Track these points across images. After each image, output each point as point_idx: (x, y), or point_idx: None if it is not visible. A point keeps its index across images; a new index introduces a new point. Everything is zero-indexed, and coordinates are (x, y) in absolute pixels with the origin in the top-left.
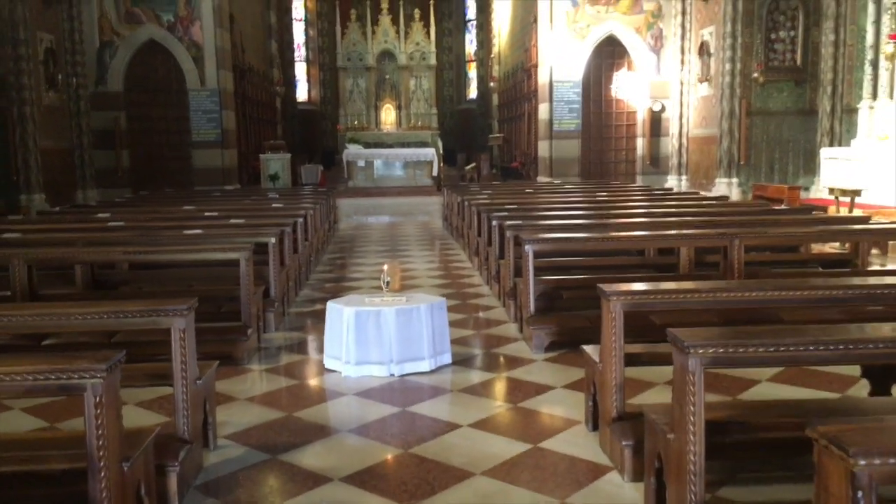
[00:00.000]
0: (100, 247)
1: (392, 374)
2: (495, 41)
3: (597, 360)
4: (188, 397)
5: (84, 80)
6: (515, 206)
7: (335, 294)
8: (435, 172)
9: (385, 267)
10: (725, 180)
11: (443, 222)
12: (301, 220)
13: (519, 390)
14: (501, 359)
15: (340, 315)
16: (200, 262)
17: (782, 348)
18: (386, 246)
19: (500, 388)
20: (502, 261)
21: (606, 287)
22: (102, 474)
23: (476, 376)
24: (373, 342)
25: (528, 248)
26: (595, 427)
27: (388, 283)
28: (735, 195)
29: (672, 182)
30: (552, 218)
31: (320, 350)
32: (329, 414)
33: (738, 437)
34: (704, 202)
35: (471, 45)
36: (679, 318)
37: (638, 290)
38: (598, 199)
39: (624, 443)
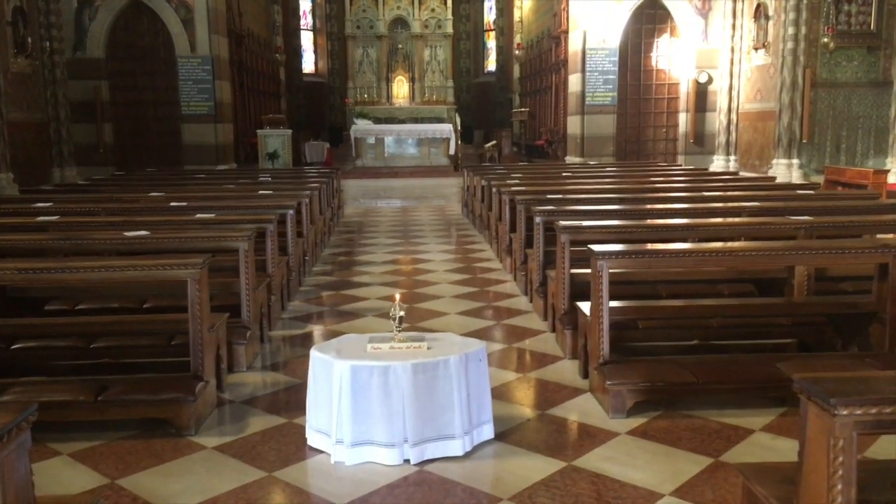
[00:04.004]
0: None
1: (406, 461)
2: (518, 4)
3: (764, 491)
4: None
5: (60, 44)
6: (559, 197)
7: (333, 308)
8: (452, 151)
9: (396, 296)
10: (784, 161)
11: (462, 208)
12: (292, 211)
13: (605, 499)
14: (566, 429)
15: (330, 371)
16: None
17: None
18: (397, 237)
19: (573, 492)
20: (550, 272)
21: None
22: None
23: (532, 466)
24: (378, 413)
25: (602, 265)
26: None
27: (400, 318)
28: (796, 179)
29: (719, 163)
30: (612, 214)
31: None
32: None
33: None
34: (799, 193)
35: (490, 12)
36: None
37: (879, 398)
38: (654, 185)
39: None
